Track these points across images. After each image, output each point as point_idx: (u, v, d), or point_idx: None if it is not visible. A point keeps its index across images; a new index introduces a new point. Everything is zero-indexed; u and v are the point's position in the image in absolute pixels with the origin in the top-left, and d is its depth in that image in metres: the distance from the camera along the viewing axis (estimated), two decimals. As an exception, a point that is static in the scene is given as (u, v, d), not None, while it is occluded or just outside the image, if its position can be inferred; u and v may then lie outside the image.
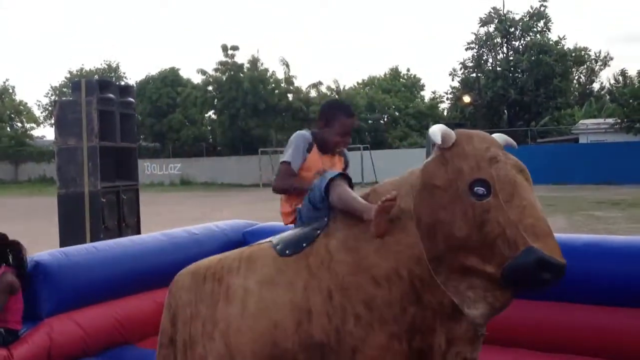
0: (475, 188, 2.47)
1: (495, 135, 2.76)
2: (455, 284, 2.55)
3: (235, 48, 37.13)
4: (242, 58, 37.40)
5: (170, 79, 42.78)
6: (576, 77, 43.53)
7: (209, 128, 43.25)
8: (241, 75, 36.33)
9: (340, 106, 3.48)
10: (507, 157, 2.58)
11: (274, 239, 3.03)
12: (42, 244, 7.49)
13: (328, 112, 3.43)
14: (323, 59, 74.73)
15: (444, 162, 2.59)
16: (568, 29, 77.53)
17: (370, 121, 43.59)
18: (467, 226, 2.47)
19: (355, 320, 2.62)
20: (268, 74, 37.04)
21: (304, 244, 2.85)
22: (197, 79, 40.04)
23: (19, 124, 48.49)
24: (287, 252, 2.87)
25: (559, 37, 39.07)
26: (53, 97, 47.32)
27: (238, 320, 2.85)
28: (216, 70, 37.40)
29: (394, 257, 2.62)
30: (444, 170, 2.58)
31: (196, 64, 53.58)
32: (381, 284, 2.62)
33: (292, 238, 2.94)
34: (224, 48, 37.15)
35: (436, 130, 2.60)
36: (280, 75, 37.49)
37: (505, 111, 39.23)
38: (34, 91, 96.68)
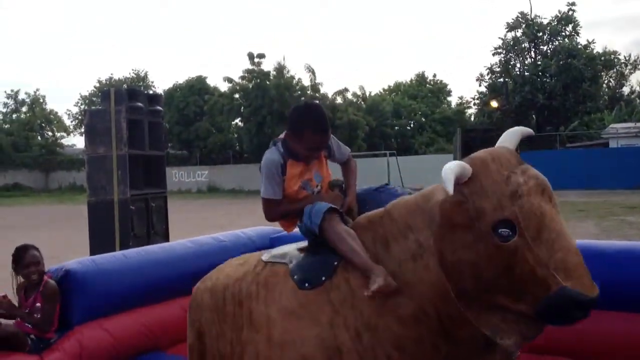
0: (500, 230, 2.34)
1: (510, 131, 2.66)
2: (487, 318, 2.46)
3: (261, 56, 37.39)
4: (268, 65, 37.67)
5: (197, 88, 43.18)
6: (606, 81, 42.97)
7: (236, 135, 43.53)
8: (267, 82, 36.53)
9: (307, 120, 2.96)
10: (528, 178, 2.43)
11: (289, 260, 2.93)
12: (72, 251, 7.59)
13: (296, 124, 2.98)
14: (349, 66, 74.86)
15: (464, 200, 2.43)
16: (597, 32, 76.53)
17: (396, 127, 43.50)
18: (495, 269, 2.38)
19: None
20: (294, 81, 37.19)
21: (323, 277, 2.75)
22: (223, 87, 40.45)
23: (50, 133, 49.29)
24: (307, 285, 2.77)
25: (587, 41, 38.67)
26: (83, 106, 48.04)
27: (266, 349, 2.78)
28: (242, 78, 37.67)
29: (418, 296, 2.54)
30: (464, 208, 2.43)
31: (223, 72, 54.31)
32: (408, 323, 2.55)
33: (310, 268, 2.82)
34: (251, 56, 37.42)
35: (448, 173, 2.37)
36: (306, 82, 37.66)
37: (534, 116, 38.85)
38: (64, 100, 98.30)
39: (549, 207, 2.40)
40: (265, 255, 3.09)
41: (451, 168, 2.38)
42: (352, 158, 3.28)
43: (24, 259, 3.78)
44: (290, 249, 3.05)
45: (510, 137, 2.64)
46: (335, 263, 2.77)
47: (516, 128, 2.70)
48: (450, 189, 2.34)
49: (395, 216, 2.70)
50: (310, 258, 2.91)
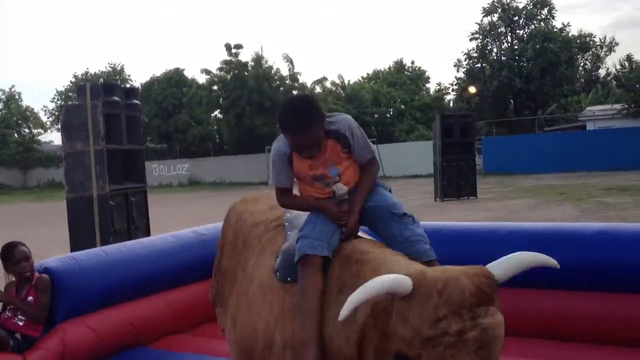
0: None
1: (513, 257, 2.24)
2: None
3: (239, 47, 37.21)
4: (246, 56, 37.50)
5: (175, 80, 42.85)
6: (582, 64, 43.31)
7: (215, 127, 43.33)
8: (245, 73, 36.37)
9: (280, 120, 2.82)
10: (471, 327, 2.06)
11: (292, 236, 2.91)
12: (52, 249, 7.53)
13: (279, 123, 2.85)
14: (327, 54, 74.68)
15: (389, 313, 2.22)
16: (572, 16, 77.03)
17: (376, 115, 43.55)
18: None
19: None
20: (272, 71, 37.06)
21: (289, 278, 2.79)
22: (201, 78, 40.21)
23: (26, 130, 48.66)
24: (277, 275, 2.86)
25: (563, 24, 38.92)
26: (59, 102, 47.50)
27: (240, 303, 3.07)
28: (220, 69, 37.49)
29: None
30: (385, 321, 2.23)
31: (200, 63, 53.96)
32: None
33: (291, 259, 2.76)
34: (228, 47, 37.22)
35: (375, 285, 2.15)
36: (285, 72, 37.55)
37: (512, 100, 39.10)
38: (40, 96, 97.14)
39: None
40: (287, 216, 3.19)
41: (386, 280, 2.16)
42: (375, 162, 2.97)
43: (14, 256, 3.79)
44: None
45: (506, 265, 2.24)
46: None
47: (532, 255, 2.30)
48: (347, 310, 2.14)
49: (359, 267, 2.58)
50: (293, 241, 2.94)
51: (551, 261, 2.29)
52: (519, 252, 2.26)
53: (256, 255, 3.11)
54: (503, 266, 2.20)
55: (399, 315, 2.15)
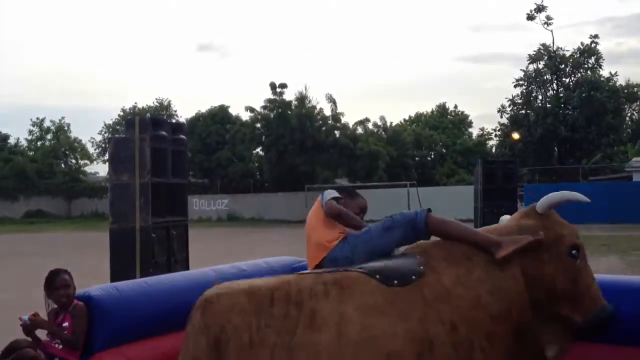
0: (573, 251, 3.10)
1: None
2: (543, 328, 3.04)
3: (283, 86, 37.70)
4: (290, 95, 37.96)
5: (219, 117, 43.57)
6: (629, 114, 42.67)
7: (257, 164, 43.73)
8: (289, 112, 36.75)
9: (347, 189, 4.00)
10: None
11: (362, 268, 3.07)
12: (93, 278, 7.63)
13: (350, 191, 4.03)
14: (370, 96, 75.13)
15: (547, 227, 3.13)
16: (619, 65, 76.22)
17: (417, 158, 43.42)
18: (567, 281, 3.05)
19: (481, 353, 2.87)
20: (315, 111, 37.38)
21: (414, 277, 2.94)
22: (245, 116, 40.75)
23: (73, 160, 49.83)
24: (395, 282, 2.91)
25: (610, 73, 38.51)
26: (106, 135, 48.59)
27: (333, 348, 2.73)
28: (264, 107, 37.95)
29: (507, 300, 2.97)
30: (546, 234, 3.08)
31: (245, 101, 54.73)
32: (498, 321, 2.93)
33: (394, 270, 3.00)
34: (273, 86, 37.74)
35: (544, 201, 3.22)
36: (328, 112, 37.84)
37: (556, 148, 38.61)
38: (89, 128, 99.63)
39: None
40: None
41: (554, 194, 3.24)
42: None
43: (55, 282, 3.89)
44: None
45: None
46: (421, 267, 2.99)
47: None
48: (545, 207, 3.22)
49: (500, 230, 3.26)
50: (388, 264, 3.08)
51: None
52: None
53: (334, 294, 2.93)
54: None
55: (556, 224, 3.19)
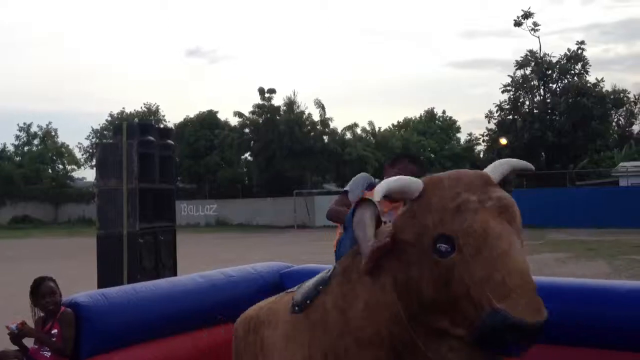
0: (438, 245, 2.31)
1: (498, 162, 2.61)
2: (435, 346, 2.40)
3: (272, 91, 37.72)
4: (278, 100, 37.96)
5: (208, 122, 43.49)
6: (615, 120, 42.98)
7: (245, 169, 43.67)
8: (277, 117, 36.76)
9: (406, 153, 3.83)
10: (486, 199, 2.33)
11: (297, 289, 3.13)
12: (80, 284, 7.58)
13: (395, 156, 3.78)
14: (358, 101, 75.26)
15: (412, 215, 2.43)
16: (606, 71, 76.89)
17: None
18: (433, 285, 2.33)
19: None
20: (304, 116, 37.41)
21: (308, 301, 2.90)
22: (234, 121, 40.71)
23: (60, 166, 49.57)
24: (296, 309, 2.93)
25: (597, 79, 38.76)
26: (94, 140, 48.37)
27: None
28: (253, 112, 37.94)
29: (375, 318, 2.52)
30: (412, 224, 2.42)
31: (233, 106, 54.59)
32: (365, 347, 2.54)
33: (303, 292, 3.00)
34: (261, 91, 37.74)
35: (382, 185, 2.44)
36: (316, 117, 37.88)
37: (543, 154, 38.83)
38: (76, 134, 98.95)
39: (500, 226, 2.27)
40: (295, 287, 3.26)
41: (389, 181, 2.48)
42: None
43: (40, 290, 3.87)
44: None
45: (494, 168, 2.60)
46: (321, 287, 2.87)
47: (507, 160, 2.67)
48: (377, 198, 2.46)
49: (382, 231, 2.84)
50: (309, 283, 3.04)
51: (527, 165, 2.69)
52: (501, 160, 2.63)
53: (272, 322, 3.14)
54: (492, 170, 2.54)
55: (421, 210, 2.39)
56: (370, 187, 3.51)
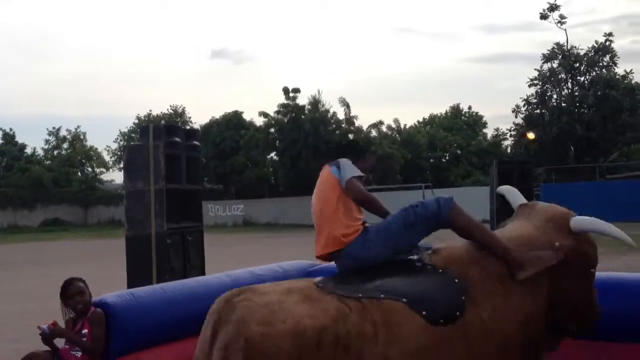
0: (593, 269, 3.23)
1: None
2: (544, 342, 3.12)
3: (296, 90, 37.76)
4: (303, 99, 37.99)
5: (233, 122, 43.66)
6: (645, 112, 42.24)
7: (271, 169, 43.79)
8: (302, 116, 36.80)
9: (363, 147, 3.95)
10: None
11: (405, 297, 2.85)
12: (110, 285, 7.65)
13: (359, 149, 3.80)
14: (384, 99, 75.02)
15: (577, 246, 3.16)
16: (635, 63, 75.67)
17: (431, 160, 43.27)
18: (585, 299, 3.14)
19: None
20: (329, 115, 37.39)
21: (457, 313, 2.84)
22: (259, 121, 40.83)
23: (89, 169, 50.23)
24: (442, 321, 2.80)
25: (625, 71, 38.14)
26: (122, 142, 48.91)
27: None
28: (278, 112, 38.02)
29: (533, 327, 3.00)
30: (576, 253, 3.13)
31: (259, 106, 54.76)
32: (518, 351, 2.96)
33: (437, 302, 2.84)
34: (286, 91, 37.80)
35: (584, 224, 3.27)
36: (341, 115, 37.83)
37: (572, 147, 38.31)
38: (104, 137, 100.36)
39: None
40: (339, 289, 2.88)
41: (599, 224, 3.27)
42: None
43: (69, 290, 3.93)
44: (361, 281, 2.99)
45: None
46: (463, 297, 2.87)
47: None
48: (584, 227, 3.32)
49: (511, 236, 3.25)
50: (428, 289, 2.91)
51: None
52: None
53: (382, 336, 2.71)
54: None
55: (586, 243, 3.25)
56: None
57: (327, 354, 2.60)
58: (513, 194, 3.57)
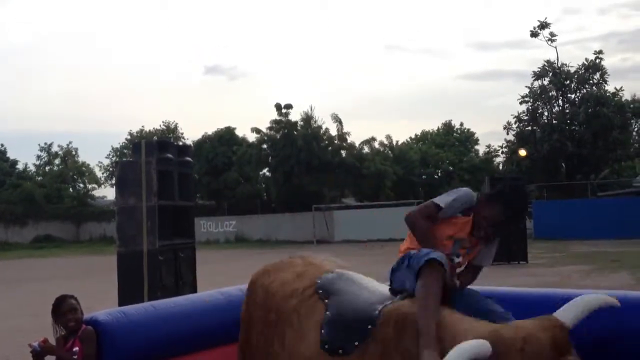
0: None
1: (588, 297, 2.49)
2: None
3: (288, 107, 37.87)
4: (295, 116, 38.09)
5: (226, 138, 43.68)
6: (636, 129, 42.51)
7: (264, 185, 43.77)
8: (295, 132, 36.87)
9: (521, 207, 3.35)
10: None
11: (331, 300, 3.12)
12: (101, 302, 7.61)
13: (512, 205, 3.16)
14: (376, 115, 75.27)
15: None
16: (625, 80, 76.30)
17: (424, 176, 43.37)
18: None
19: None
20: (321, 131, 37.48)
21: (356, 343, 2.85)
22: (251, 137, 40.87)
23: (81, 185, 50.05)
24: (340, 352, 2.87)
25: (615, 88, 38.43)
26: (114, 158, 48.81)
27: None
28: (270, 128, 38.09)
29: None
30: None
31: (251, 122, 54.50)
32: None
33: (343, 326, 2.94)
34: (278, 107, 37.90)
35: (463, 352, 2.31)
36: (333, 131, 37.93)
37: (563, 164, 38.48)
38: (96, 152, 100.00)
39: None
40: (319, 282, 3.19)
41: (467, 348, 2.29)
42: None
43: (62, 308, 3.90)
44: (343, 284, 3.15)
45: (575, 310, 2.43)
46: (370, 327, 2.82)
47: (588, 298, 2.48)
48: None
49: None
50: (349, 310, 2.96)
51: (612, 300, 2.48)
52: (582, 296, 2.45)
53: (295, 328, 3.04)
54: (572, 313, 2.35)
55: None
56: (468, 211, 3.20)
57: (272, 318, 3.22)
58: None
